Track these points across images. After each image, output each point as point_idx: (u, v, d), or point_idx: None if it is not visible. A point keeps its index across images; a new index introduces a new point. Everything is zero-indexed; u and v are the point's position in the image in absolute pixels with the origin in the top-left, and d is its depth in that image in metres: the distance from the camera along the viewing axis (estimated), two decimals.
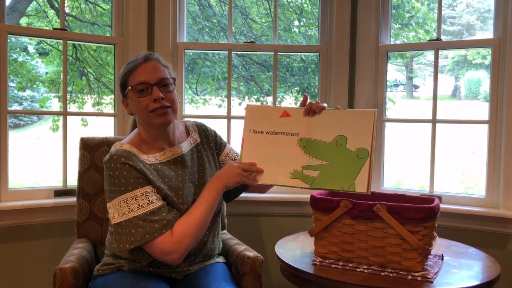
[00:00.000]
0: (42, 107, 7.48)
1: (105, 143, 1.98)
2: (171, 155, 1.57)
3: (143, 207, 1.41)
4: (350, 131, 1.48)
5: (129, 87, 1.50)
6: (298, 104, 1.59)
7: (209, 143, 1.71)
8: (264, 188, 1.78)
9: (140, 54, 1.55)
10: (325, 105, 1.53)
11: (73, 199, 2.08)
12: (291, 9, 6.22)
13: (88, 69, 6.28)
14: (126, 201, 1.42)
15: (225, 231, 2.02)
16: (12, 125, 7.83)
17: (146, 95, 1.48)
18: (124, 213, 1.42)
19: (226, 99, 2.89)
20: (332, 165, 1.48)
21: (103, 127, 4.14)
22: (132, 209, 1.41)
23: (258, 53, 5.35)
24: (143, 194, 1.43)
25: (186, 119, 2.42)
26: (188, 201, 1.54)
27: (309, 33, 6.31)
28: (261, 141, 1.56)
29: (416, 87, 11.20)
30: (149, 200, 1.42)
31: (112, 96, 3.10)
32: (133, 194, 1.42)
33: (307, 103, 1.54)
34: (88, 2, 5.97)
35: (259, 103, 6.44)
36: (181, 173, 1.56)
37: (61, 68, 2.37)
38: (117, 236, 1.43)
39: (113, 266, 1.55)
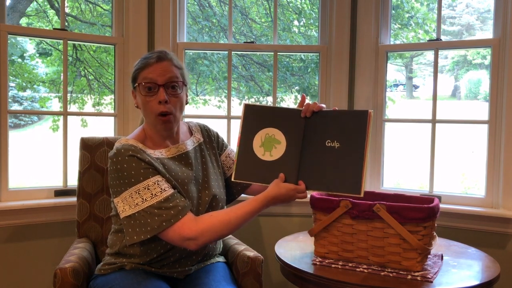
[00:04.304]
0: (42, 107, 7.48)
1: (105, 143, 1.98)
2: (176, 152, 1.58)
3: (157, 195, 1.42)
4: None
5: (137, 83, 1.51)
6: (298, 104, 1.59)
7: (212, 143, 1.72)
8: (263, 191, 1.78)
9: (155, 51, 1.55)
10: (323, 105, 1.53)
11: (73, 199, 2.08)
12: (290, 9, 6.22)
13: (88, 70, 6.28)
14: (138, 192, 1.42)
15: None
16: (12, 125, 7.82)
17: (152, 94, 1.49)
18: (137, 204, 1.42)
19: (225, 100, 2.89)
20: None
21: (103, 127, 4.14)
22: (145, 199, 1.41)
23: (258, 53, 5.35)
24: (155, 183, 1.43)
25: (187, 119, 2.43)
26: (192, 197, 1.54)
27: (309, 33, 6.31)
28: None
29: (416, 87, 11.21)
30: (161, 188, 1.43)
31: (112, 96, 3.09)
32: (145, 184, 1.42)
33: (304, 104, 1.54)
34: (88, 2, 5.97)
35: (257, 103, 6.44)
36: (185, 169, 1.56)
37: (61, 68, 2.38)
38: (130, 228, 1.43)
39: (115, 265, 1.55)
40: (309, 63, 6.20)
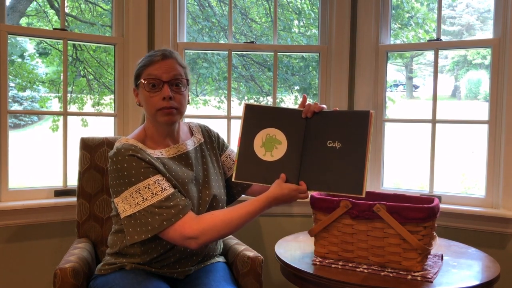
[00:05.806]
0: (42, 107, 7.48)
1: (105, 143, 1.98)
2: (176, 152, 1.58)
3: (157, 194, 1.42)
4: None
5: (142, 80, 1.52)
6: (298, 104, 1.58)
7: (212, 143, 1.72)
8: (263, 191, 1.78)
9: (159, 49, 1.56)
10: (324, 106, 1.53)
11: (73, 199, 2.08)
12: (290, 9, 6.22)
13: (88, 69, 6.28)
14: (138, 191, 1.42)
15: None
16: (12, 125, 7.83)
17: (156, 91, 1.50)
18: (137, 203, 1.42)
19: (225, 100, 2.88)
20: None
21: (103, 127, 4.14)
22: (146, 198, 1.41)
23: (258, 53, 5.35)
24: (155, 182, 1.43)
25: (187, 119, 2.43)
26: (193, 197, 1.54)
27: (309, 33, 6.31)
28: None
29: (416, 87, 11.21)
30: (162, 188, 1.43)
31: (112, 96, 3.10)
32: (146, 184, 1.42)
33: (305, 104, 1.54)
34: (88, 2, 5.98)
35: (257, 103, 6.44)
36: (185, 169, 1.56)
37: (61, 68, 2.38)
38: (130, 228, 1.42)
39: (115, 265, 1.55)
40: (310, 61, 6.20)
